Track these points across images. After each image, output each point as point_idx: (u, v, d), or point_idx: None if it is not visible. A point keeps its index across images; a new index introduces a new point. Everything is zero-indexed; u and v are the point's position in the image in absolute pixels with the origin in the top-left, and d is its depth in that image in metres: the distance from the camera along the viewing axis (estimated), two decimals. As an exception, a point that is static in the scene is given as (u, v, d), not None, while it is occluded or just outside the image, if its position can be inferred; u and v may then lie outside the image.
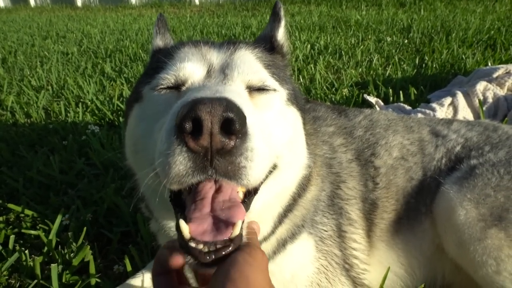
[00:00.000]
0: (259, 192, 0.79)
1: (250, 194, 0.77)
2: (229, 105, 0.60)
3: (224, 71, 0.87)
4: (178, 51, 0.93)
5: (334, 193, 1.21)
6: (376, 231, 1.25)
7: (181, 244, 0.64)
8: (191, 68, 0.86)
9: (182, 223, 0.65)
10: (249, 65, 0.89)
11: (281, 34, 1.12)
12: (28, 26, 7.71)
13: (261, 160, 0.66)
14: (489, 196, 1.10)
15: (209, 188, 0.70)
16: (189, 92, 0.78)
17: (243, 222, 0.67)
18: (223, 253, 0.62)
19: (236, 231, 0.65)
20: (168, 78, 0.86)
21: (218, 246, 0.63)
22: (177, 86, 0.85)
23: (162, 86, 0.86)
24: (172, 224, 0.94)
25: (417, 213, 1.24)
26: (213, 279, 0.61)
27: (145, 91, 0.91)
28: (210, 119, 0.58)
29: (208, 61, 0.89)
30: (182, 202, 0.73)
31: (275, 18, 1.13)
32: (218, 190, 0.70)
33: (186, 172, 0.62)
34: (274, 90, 0.90)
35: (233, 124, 0.60)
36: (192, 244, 0.63)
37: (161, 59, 0.92)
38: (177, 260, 0.65)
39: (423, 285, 1.16)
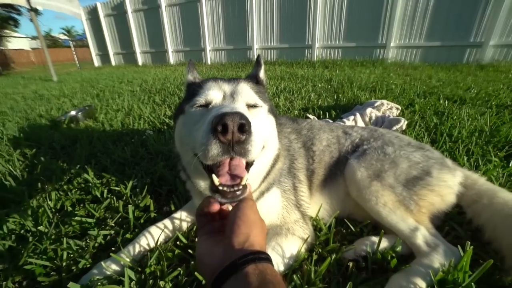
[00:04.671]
0: (254, 163, 0.81)
1: (250, 164, 0.78)
2: (242, 116, 0.63)
3: (233, 96, 0.87)
4: (205, 84, 0.92)
5: (291, 166, 1.22)
6: (313, 186, 1.26)
7: (213, 189, 0.68)
8: (214, 94, 0.86)
9: (214, 177, 0.69)
10: (247, 92, 0.90)
11: (262, 73, 1.12)
12: (111, 76, 7.51)
13: (257, 146, 0.69)
14: (372, 164, 1.13)
15: (227, 160, 0.71)
16: (215, 108, 0.79)
17: (247, 179, 0.70)
18: (237, 193, 0.67)
19: (244, 181, 0.69)
20: (200, 100, 0.86)
21: (235, 189, 0.68)
22: (206, 105, 0.85)
23: (197, 105, 0.86)
24: (201, 183, 0.95)
25: (335, 175, 1.26)
26: (228, 219, 0.64)
27: (186, 108, 0.90)
28: (232, 124, 0.62)
29: (223, 90, 0.88)
30: (211, 169, 0.74)
31: (258, 64, 1.13)
32: (232, 161, 0.72)
33: (217, 154, 0.65)
34: (261, 106, 0.91)
35: (244, 127, 0.63)
36: (220, 188, 0.67)
37: (195, 89, 0.92)
38: (215, 205, 0.68)
39: (338, 212, 1.18)
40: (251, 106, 0.88)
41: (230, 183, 0.68)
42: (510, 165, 1.51)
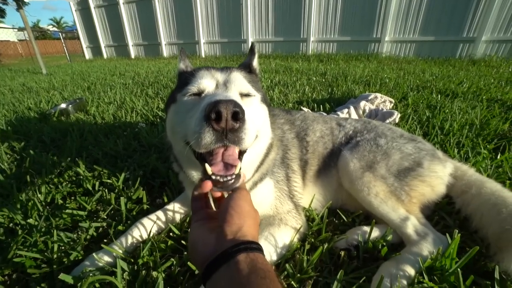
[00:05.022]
0: (247, 151, 0.81)
1: (242, 153, 0.78)
2: (236, 103, 0.62)
3: (226, 84, 0.86)
4: (198, 72, 0.90)
5: (284, 156, 1.21)
6: (307, 177, 1.26)
7: (206, 178, 0.66)
8: (207, 83, 0.85)
9: (207, 166, 0.67)
10: (240, 81, 0.88)
11: (255, 62, 1.10)
12: (102, 69, 7.36)
13: (251, 134, 0.68)
14: (365, 156, 1.14)
15: (220, 149, 0.70)
16: (208, 97, 0.77)
17: (240, 168, 0.70)
18: (230, 182, 0.66)
19: (237, 170, 0.68)
20: (193, 88, 0.84)
21: (228, 178, 0.66)
22: (199, 93, 0.84)
23: (190, 93, 0.84)
24: (194, 173, 0.94)
25: (329, 166, 1.26)
26: (221, 207, 0.63)
27: (178, 96, 0.88)
28: (226, 112, 0.60)
29: (216, 79, 0.87)
30: (203, 158, 0.73)
31: (251, 53, 1.11)
32: (225, 150, 0.71)
33: (211, 142, 0.64)
34: (254, 95, 0.90)
35: (238, 114, 0.62)
36: (213, 177, 0.66)
37: (188, 78, 0.90)
38: (207, 184, 0.67)
39: (330, 202, 1.20)
40: (244, 95, 0.87)
41: (224, 173, 0.67)
42: (498, 157, 1.54)
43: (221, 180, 0.66)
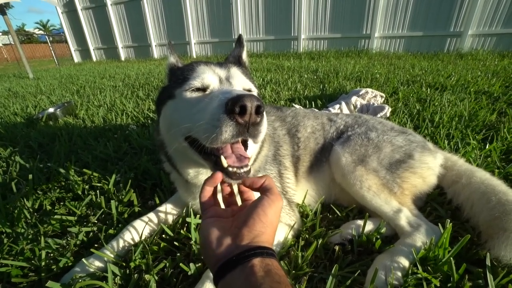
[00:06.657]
0: (249, 146, 0.82)
1: (245, 148, 0.78)
2: (258, 98, 0.62)
3: (229, 80, 0.85)
4: (198, 67, 0.89)
5: (276, 153, 1.20)
6: (299, 173, 1.26)
7: (222, 170, 0.67)
8: (211, 78, 0.83)
9: (223, 159, 0.68)
10: (241, 77, 0.89)
11: (244, 55, 1.08)
12: (92, 72, 7.22)
13: (265, 128, 0.69)
14: (356, 150, 1.14)
15: (229, 144, 0.71)
16: (218, 91, 0.76)
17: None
18: (243, 174, 0.67)
19: (251, 162, 0.71)
20: (196, 83, 0.82)
21: (244, 169, 0.67)
22: (203, 89, 0.82)
23: (192, 88, 0.82)
24: (190, 170, 0.94)
25: (321, 162, 1.26)
26: (246, 209, 0.60)
27: (177, 92, 0.86)
28: (251, 105, 0.61)
29: (218, 74, 0.86)
30: (209, 154, 0.73)
31: (240, 45, 1.08)
32: (233, 144, 0.72)
33: (232, 136, 0.63)
34: (254, 91, 0.91)
35: (260, 108, 0.62)
36: (229, 169, 0.66)
37: (186, 72, 0.88)
38: (218, 175, 0.65)
39: (323, 197, 1.19)
40: (246, 90, 0.87)
41: (239, 164, 0.68)
42: (487, 147, 1.56)
43: (238, 171, 0.66)
